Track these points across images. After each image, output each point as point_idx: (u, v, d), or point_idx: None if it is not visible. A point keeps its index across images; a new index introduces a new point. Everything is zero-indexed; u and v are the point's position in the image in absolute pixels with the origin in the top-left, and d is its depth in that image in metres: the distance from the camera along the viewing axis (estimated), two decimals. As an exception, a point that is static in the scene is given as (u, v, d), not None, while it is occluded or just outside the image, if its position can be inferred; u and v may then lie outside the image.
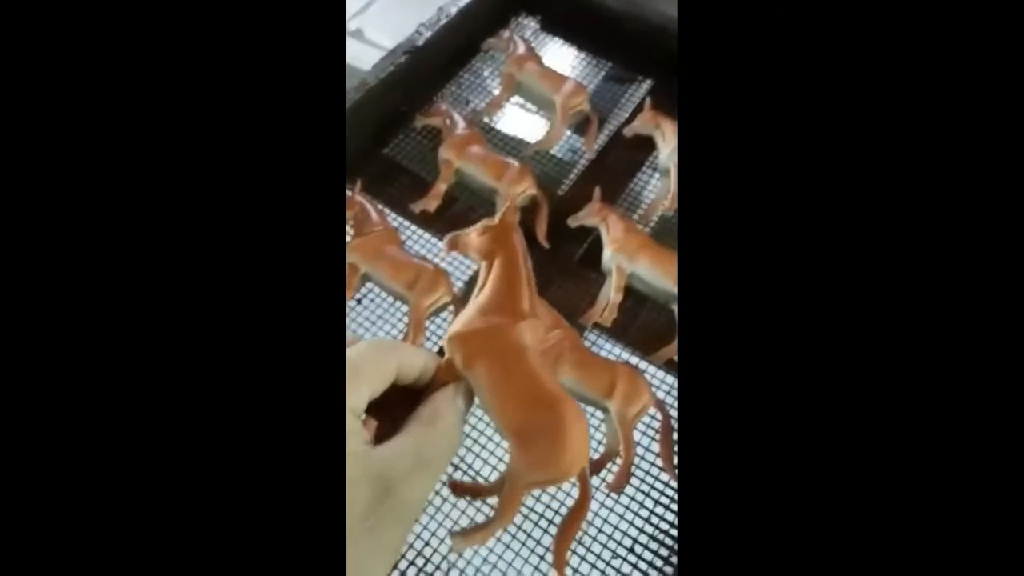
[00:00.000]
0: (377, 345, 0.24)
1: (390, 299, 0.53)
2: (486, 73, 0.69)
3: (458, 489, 0.35)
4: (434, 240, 0.57)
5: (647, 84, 0.68)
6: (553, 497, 0.45)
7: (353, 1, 1.18)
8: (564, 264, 0.56)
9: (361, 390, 0.22)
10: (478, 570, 0.42)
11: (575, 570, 0.42)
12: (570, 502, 0.44)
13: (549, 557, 0.43)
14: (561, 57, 0.71)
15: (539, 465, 0.22)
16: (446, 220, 0.58)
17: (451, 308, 0.52)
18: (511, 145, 0.64)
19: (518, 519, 0.44)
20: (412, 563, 0.43)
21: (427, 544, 0.43)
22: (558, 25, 0.72)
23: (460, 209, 0.59)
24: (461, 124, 0.61)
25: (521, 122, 0.66)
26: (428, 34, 0.64)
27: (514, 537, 0.43)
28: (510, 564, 0.42)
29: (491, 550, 0.43)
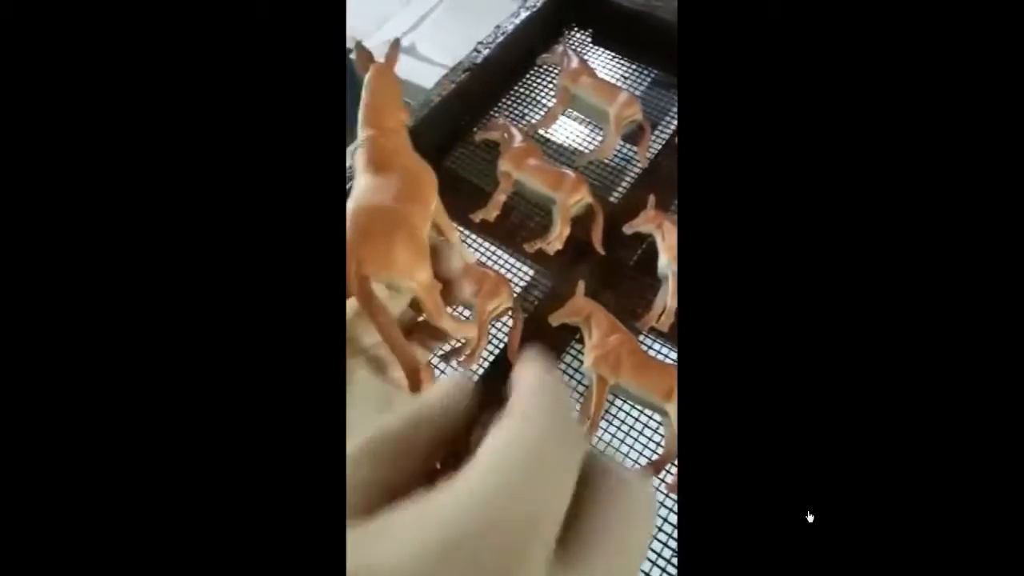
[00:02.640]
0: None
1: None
2: (540, 86, 0.72)
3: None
4: (493, 248, 0.60)
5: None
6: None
7: (406, 18, 1.23)
8: (619, 269, 0.57)
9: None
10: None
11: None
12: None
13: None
14: (610, 67, 0.73)
15: (368, 254, 0.25)
16: (504, 229, 0.61)
17: (510, 314, 0.54)
18: (565, 156, 0.66)
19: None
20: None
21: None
22: (609, 37, 0.74)
23: (517, 218, 0.61)
24: (518, 137, 0.63)
25: (574, 133, 0.68)
26: (486, 52, 0.67)
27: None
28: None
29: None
